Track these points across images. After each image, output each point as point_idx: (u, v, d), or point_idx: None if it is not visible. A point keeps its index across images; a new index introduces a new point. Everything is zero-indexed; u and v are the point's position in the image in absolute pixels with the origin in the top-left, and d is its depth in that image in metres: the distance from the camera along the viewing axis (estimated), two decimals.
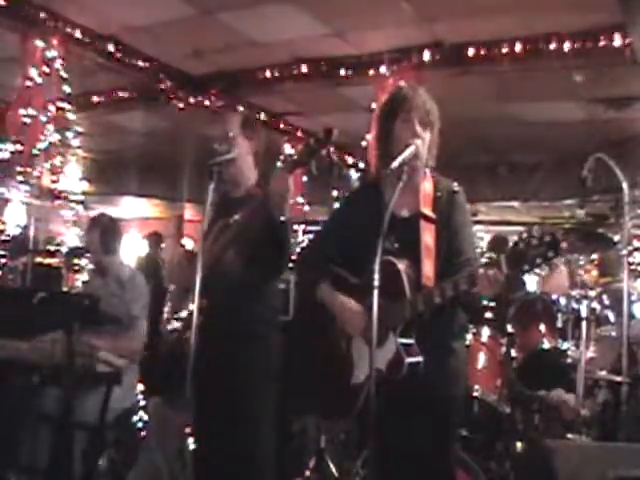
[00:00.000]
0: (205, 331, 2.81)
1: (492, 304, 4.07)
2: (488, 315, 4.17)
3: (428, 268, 2.27)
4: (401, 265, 2.28)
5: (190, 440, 2.81)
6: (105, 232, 3.88)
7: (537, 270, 2.11)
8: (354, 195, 2.80)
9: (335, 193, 8.40)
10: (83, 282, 5.16)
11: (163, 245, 9.54)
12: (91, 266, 3.98)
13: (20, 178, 5.59)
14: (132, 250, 9.89)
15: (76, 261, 5.66)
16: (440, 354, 2.31)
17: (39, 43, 5.54)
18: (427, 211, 2.37)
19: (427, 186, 2.42)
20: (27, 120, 5.50)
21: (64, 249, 6.26)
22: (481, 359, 3.97)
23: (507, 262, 2.05)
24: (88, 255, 3.88)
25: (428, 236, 2.33)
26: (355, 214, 2.49)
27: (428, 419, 2.28)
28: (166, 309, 5.63)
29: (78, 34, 5.78)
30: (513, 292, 4.11)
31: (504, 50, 5.45)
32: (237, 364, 2.74)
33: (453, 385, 2.38)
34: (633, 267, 6.71)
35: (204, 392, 2.75)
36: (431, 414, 2.28)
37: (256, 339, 2.79)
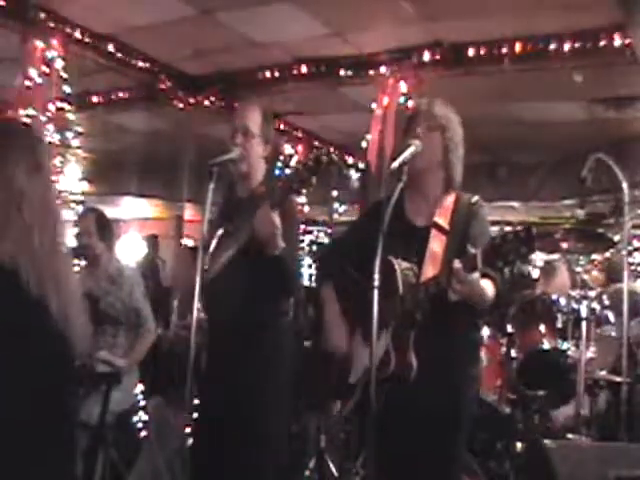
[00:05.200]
0: (213, 343, 2.80)
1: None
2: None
3: (429, 273, 2.27)
4: (400, 265, 2.28)
5: (190, 440, 2.81)
6: (100, 219, 3.88)
7: (510, 267, 2.08)
8: (371, 208, 2.80)
9: (335, 193, 8.39)
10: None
11: (159, 247, 9.57)
12: (84, 263, 3.93)
13: None
14: (132, 251, 9.90)
15: (76, 261, 5.65)
16: (445, 365, 2.30)
17: (39, 43, 5.54)
18: (441, 222, 2.38)
19: (449, 200, 2.43)
20: (27, 120, 5.49)
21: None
22: (481, 359, 3.97)
23: (482, 258, 2.03)
24: (82, 249, 3.80)
25: (436, 245, 2.34)
26: (370, 225, 2.48)
27: (427, 428, 2.27)
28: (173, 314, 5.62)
29: (78, 34, 5.77)
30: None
31: (504, 50, 5.45)
32: (247, 377, 2.70)
33: (456, 397, 2.34)
34: (633, 267, 6.71)
35: (212, 399, 2.75)
36: (430, 423, 2.27)
37: (266, 349, 2.73)
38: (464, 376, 2.37)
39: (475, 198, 2.46)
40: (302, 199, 7.57)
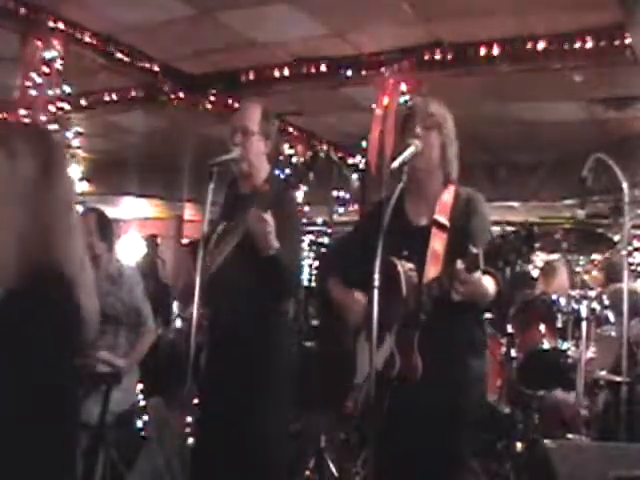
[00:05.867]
0: (212, 341, 2.80)
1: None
2: (488, 315, 4.17)
3: (432, 273, 2.27)
4: (402, 267, 2.28)
5: (190, 440, 2.81)
6: (101, 219, 3.88)
7: (511, 266, 2.07)
8: (372, 208, 2.79)
9: (335, 193, 8.39)
10: None
11: (159, 247, 9.57)
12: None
13: None
14: (132, 250, 9.90)
15: None
16: (449, 366, 2.29)
17: (39, 43, 5.54)
18: (441, 219, 2.38)
19: (447, 196, 2.43)
20: (27, 120, 5.49)
21: None
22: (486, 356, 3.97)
23: (484, 258, 2.02)
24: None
25: (438, 243, 2.33)
26: (372, 225, 2.48)
27: (431, 429, 2.26)
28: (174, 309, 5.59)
29: (78, 34, 5.78)
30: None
31: (504, 50, 5.45)
32: (247, 376, 2.69)
33: (461, 398, 2.33)
34: (633, 267, 6.71)
35: (213, 397, 2.75)
36: (434, 424, 2.26)
37: (266, 348, 2.73)
38: (468, 374, 2.37)
39: (474, 193, 2.46)
40: (302, 199, 7.58)
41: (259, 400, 2.69)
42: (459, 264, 2.06)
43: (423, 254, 2.32)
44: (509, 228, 2.06)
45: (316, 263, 6.72)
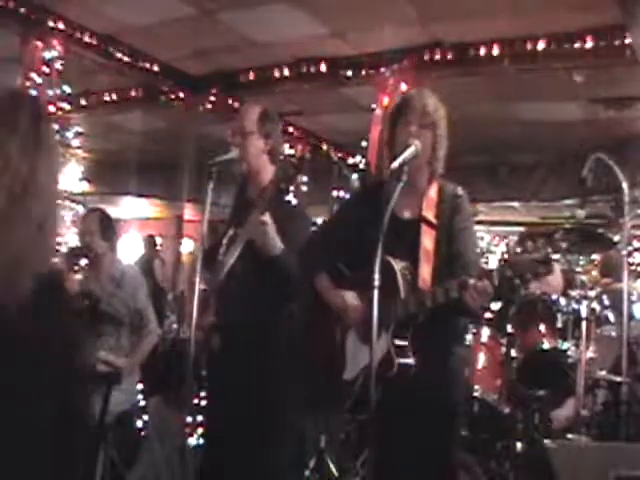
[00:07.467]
0: (222, 347, 2.79)
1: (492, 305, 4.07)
2: (488, 315, 4.17)
3: (425, 272, 2.29)
4: (397, 265, 2.28)
5: (190, 440, 2.81)
6: (104, 219, 3.87)
7: (525, 285, 2.11)
8: (358, 195, 2.79)
9: (335, 193, 8.39)
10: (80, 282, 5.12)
11: (159, 247, 9.57)
12: (85, 262, 3.90)
13: None
14: (131, 250, 9.91)
15: (76, 261, 5.63)
16: (439, 357, 2.32)
17: (39, 43, 5.55)
18: (429, 215, 2.39)
19: (432, 191, 2.44)
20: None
21: (64, 249, 6.25)
22: (481, 359, 3.97)
23: (498, 275, 2.06)
24: (84, 248, 3.78)
25: (428, 241, 2.34)
26: (358, 213, 2.49)
27: (426, 421, 2.28)
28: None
29: (78, 34, 5.78)
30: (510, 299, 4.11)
31: (504, 50, 5.45)
32: (257, 384, 2.69)
33: (451, 388, 2.38)
34: (633, 267, 6.71)
35: (224, 401, 2.74)
36: (429, 416, 2.28)
37: (276, 354, 2.73)
38: (453, 361, 2.41)
39: (458, 190, 2.46)
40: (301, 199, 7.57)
41: (269, 404, 2.68)
42: (479, 282, 2.08)
43: (409, 247, 2.34)
44: (525, 252, 2.08)
45: None
